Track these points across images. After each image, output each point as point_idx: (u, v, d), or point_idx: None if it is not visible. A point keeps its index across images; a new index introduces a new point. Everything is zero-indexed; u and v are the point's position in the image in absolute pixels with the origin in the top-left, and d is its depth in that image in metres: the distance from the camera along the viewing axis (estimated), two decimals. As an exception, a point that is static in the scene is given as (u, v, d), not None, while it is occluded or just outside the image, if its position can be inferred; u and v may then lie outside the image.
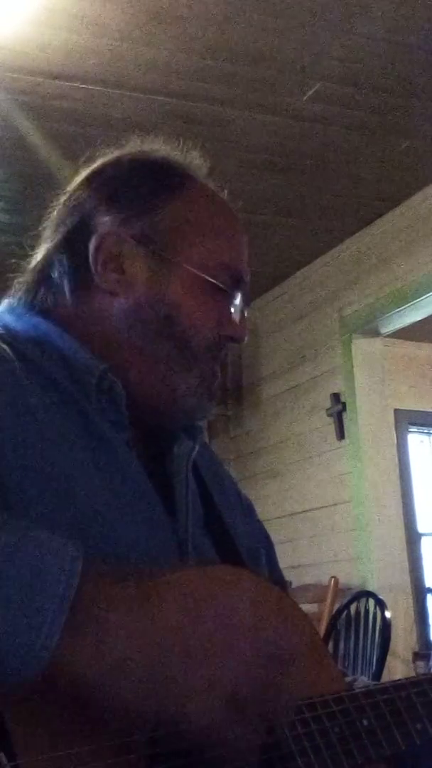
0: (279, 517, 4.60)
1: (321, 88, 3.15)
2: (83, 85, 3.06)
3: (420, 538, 5.23)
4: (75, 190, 0.98)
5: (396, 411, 5.22)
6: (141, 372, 0.92)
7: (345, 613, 3.71)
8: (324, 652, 0.92)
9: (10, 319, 0.95)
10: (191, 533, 0.90)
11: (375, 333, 4.35)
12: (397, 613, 3.84)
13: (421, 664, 3.94)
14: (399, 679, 0.87)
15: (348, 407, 4.29)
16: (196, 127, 3.29)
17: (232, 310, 0.95)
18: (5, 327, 0.94)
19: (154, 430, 0.98)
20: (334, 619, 3.73)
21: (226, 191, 1.01)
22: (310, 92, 3.18)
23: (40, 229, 1.00)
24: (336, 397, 4.38)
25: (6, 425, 0.80)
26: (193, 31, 2.82)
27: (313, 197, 3.95)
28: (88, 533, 0.79)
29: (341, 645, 3.64)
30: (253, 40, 2.88)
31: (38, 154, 3.27)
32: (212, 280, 0.93)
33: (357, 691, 0.82)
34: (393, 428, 4.84)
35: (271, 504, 4.66)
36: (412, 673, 3.65)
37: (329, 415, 4.41)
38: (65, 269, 0.95)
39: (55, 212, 0.99)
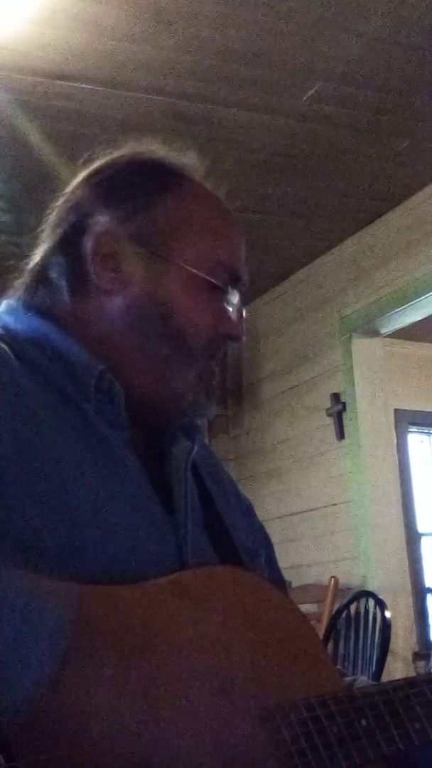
0: (279, 517, 4.60)
1: (321, 88, 3.15)
2: (83, 85, 3.06)
3: (420, 538, 5.23)
4: (72, 191, 0.99)
5: (396, 411, 5.22)
6: (139, 370, 0.92)
7: (345, 613, 3.71)
8: (322, 652, 0.92)
9: (9, 320, 0.95)
10: (190, 533, 0.90)
11: (375, 333, 4.35)
12: (397, 613, 3.84)
13: (421, 664, 3.94)
14: (397, 680, 0.87)
15: (348, 407, 4.29)
16: (196, 127, 3.29)
17: (230, 308, 0.96)
18: (5, 327, 0.94)
19: (154, 430, 0.98)
20: (334, 619, 3.73)
21: (225, 190, 1.02)
22: (310, 92, 3.18)
23: (39, 230, 1.00)
24: (336, 397, 4.38)
25: (4, 425, 0.80)
26: (193, 31, 2.82)
27: (313, 197, 3.96)
28: (86, 533, 0.79)
29: (341, 645, 3.64)
30: (253, 40, 2.88)
31: (38, 154, 3.27)
32: (208, 278, 0.94)
33: (355, 691, 0.82)
34: (393, 428, 4.84)
35: (271, 504, 4.66)
36: (412, 673, 3.66)
37: (329, 415, 4.41)
38: (63, 269, 0.95)
39: (53, 213, 0.99)
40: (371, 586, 3.90)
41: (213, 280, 0.94)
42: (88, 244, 0.94)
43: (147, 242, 0.93)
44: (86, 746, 0.64)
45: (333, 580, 3.95)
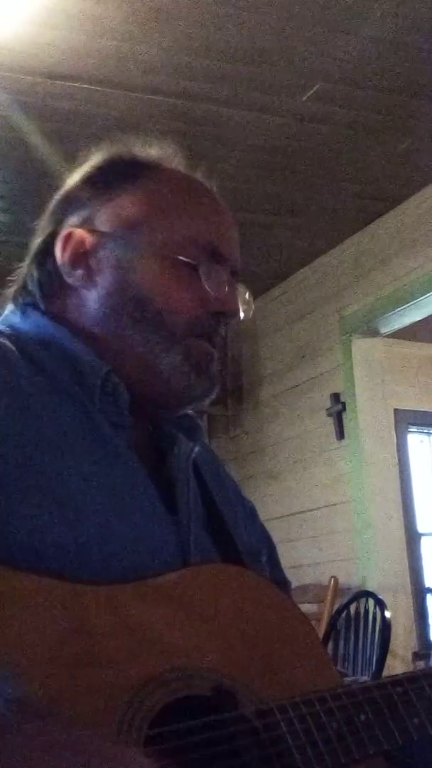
0: (279, 518, 4.60)
1: (321, 88, 3.15)
2: (83, 85, 3.06)
3: (420, 538, 5.23)
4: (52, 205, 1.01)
5: (396, 411, 5.22)
6: (123, 360, 0.92)
7: (345, 613, 3.71)
8: (322, 652, 0.92)
9: (16, 319, 0.96)
10: (193, 533, 0.90)
11: (375, 333, 4.35)
12: (397, 613, 3.84)
13: (420, 664, 3.94)
14: (395, 675, 0.87)
15: (348, 407, 4.29)
16: (196, 127, 3.29)
17: (213, 285, 0.94)
18: (11, 326, 0.95)
19: (156, 429, 0.98)
20: (334, 619, 3.73)
21: (225, 191, 1.02)
22: (310, 92, 3.18)
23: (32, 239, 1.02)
24: (336, 397, 4.38)
25: (7, 424, 0.80)
26: (193, 31, 2.82)
27: (313, 197, 3.96)
28: (88, 533, 0.80)
29: (341, 645, 3.64)
30: (253, 40, 2.88)
31: (38, 154, 3.27)
32: (180, 258, 0.93)
33: (354, 687, 0.82)
34: (393, 428, 4.84)
35: (271, 504, 4.66)
36: (412, 673, 3.65)
37: (329, 415, 4.41)
38: (43, 275, 0.97)
39: (39, 225, 1.02)
40: (371, 586, 3.90)
41: (184, 258, 0.93)
42: (57, 249, 0.96)
43: (115, 233, 0.94)
44: None
45: (333, 580, 3.95)
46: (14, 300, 0.99)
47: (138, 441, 0.93)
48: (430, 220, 3.89)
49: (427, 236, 3.89)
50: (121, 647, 0.73)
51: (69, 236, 0.95)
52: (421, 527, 5.26)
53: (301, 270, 4.74)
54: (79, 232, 0.95)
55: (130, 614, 0.75)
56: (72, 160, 1.03)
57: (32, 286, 0.98)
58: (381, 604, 3.50)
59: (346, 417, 4.30)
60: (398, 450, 4.88)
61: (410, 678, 0.87)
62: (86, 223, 0.96)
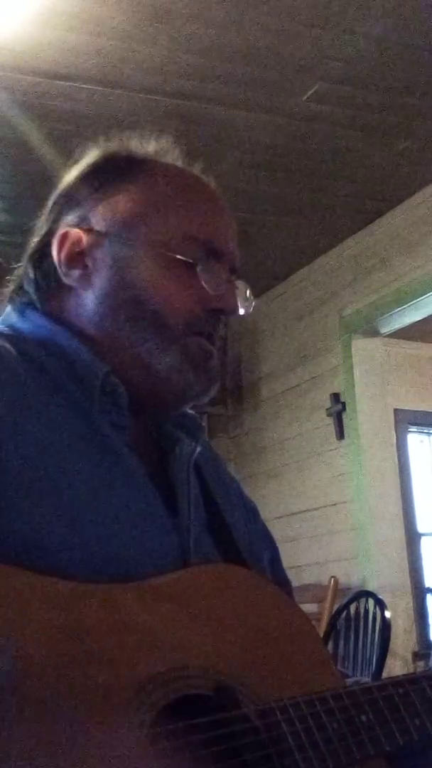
0: (279, 517, 4.60)
1: (321, 88, 3.15)
2: (83, 85, 3.06)
3: (420, 538, 5.22)
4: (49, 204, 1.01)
5: (396, 411, 5.21)
6: (121, 360, 0.91)
7: (345, 613, 3.71)
8: (322, 652, 0.92)
9: (15, 319, 0.96)
10: (193, 534, 0.90)
11: (375, 333, 4.35)
12: (397, 613, 3.84)
13: (420, 664, 3.94)
14: (396, 676, 0.87)
15: (348, 407, 4.29)
16: (196, 127, 3.29)
17: (211, 282, 0.93)
18: (11, 326, 0.95)
19: (157, 429, 0.98)
20: (334, 619, 3.73)
21: (225, 190, 1.01)
22: (310, 92, 3.18)
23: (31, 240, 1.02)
24: (336, 396, 4.38)
25: (7, 425, 0.80)
26: (193, 31, 2.82)
27: (313, 197, 3.96)
28: (88, 533, 0.80)
29: (341, 645, 3.64)
30: (253, 40, 2.88)
31: (38, 154, 3.27)
32: (176, 255, 0.92)
33: (355, 688, 0.82)
34: (393, 428, 4.83)
35: (271, 504, 4.66)
36: (412, 673, 3.65)
37: (329, 415, 4.41)
38: (40, 275, 0.97)
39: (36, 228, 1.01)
40: (371, 586, 3.90)
41: (181, 257, 0.92)
42: (53, 248, 0.95)
43: (110, 232, 0.94)
44: None
45: (333, 580, 3.95)
46: (11, 300, 0.99)
47: (138, 441, 0.92)
48: (430, 220, 3.89)
49: (427, 236, 3.89)
50: (119, 647, 0.73)
51: (65, 236, 0.95)
52: (421, 527, 5.25)
53: (301, 270, 4.74)
54: (75, 232, 0.94)
55: (129, 614, 0.75)
56: (72, 160, 1.02)
57: (28, 286, 0.97)
58: (381, 604, 3.50)
59: (346, 417, 4.30)
60: (398, 450, 4.87)
61: (411, 679, 0.87)
62: (82, 222, 0.95)
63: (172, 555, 0.86)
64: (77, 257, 0.94)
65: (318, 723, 0.77)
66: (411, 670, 3.82)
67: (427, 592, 5.02)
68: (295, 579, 4.16)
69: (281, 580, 1.04)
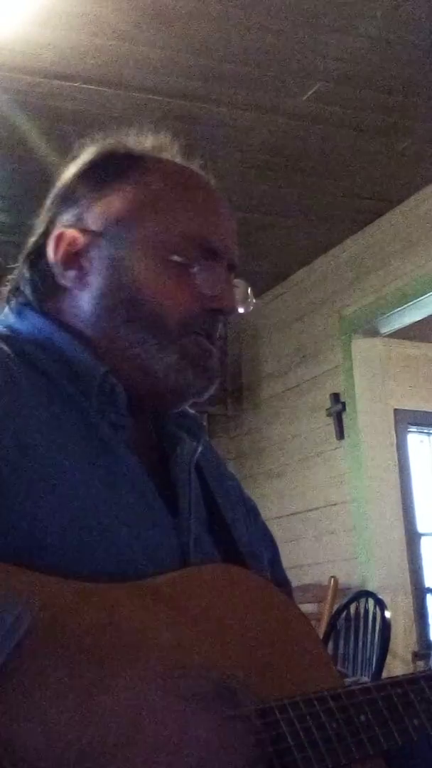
0: (279, 517, 4.60)
1: (321, 88, 3.15)
2: (83, 85, 3.06)
3: (420, 538, 5.22)
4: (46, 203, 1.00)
5: (396, 411, 5.21)
6: (118, 361, 0.91)
7: (345, 613, 3.71)
8: (322, 652, 0.92)
9: (13, 320, 0.96)
10: (194, 534, 0.90)
11: (375, 333, 4.35)
12: (397, 613, 3.84)
13: (420, 664, 3.94)
14: (396, 676, 0.87)
15: (348, 407, 4.29)
16: (196, 127, 3.29)
17: (209, 282, 0.92)
18: (9, 327, 0.95)
19: (158, 429, 0.98)
20: (334, 619, 3.73)
21: (224, 190, 1.01)
22: (310, 92, 3.18)
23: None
24: (336, 396, 4.38)
25: (5, 426, 0.80)
26: (193, 31, 2.82)
27: (313, 197, 3.96)
28: (88, 533, 0.80)
29: (341, 645, 3.64)
30: (253, 40, 2.88)
31: (38, 154, 3.27)
32: (172, 257, 0.91)
33: (354, 688, 0.82)
34: (393, 428, 4.83)
35: (271, 504, 4.66)
36: (412, 673, 3.64)
37: (329, 415, 4.41)
38: (36, 275, 0.96)
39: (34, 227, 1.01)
40: (371, 586, 3.90)
41: (177, 257, 0.91)
42: (49, 249, 0.95)
43: (106, 232, 0.93)
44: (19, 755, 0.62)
45: (333, 580, 3.95)
46: (9, 300, 0.98)
47: (138, 441, 0.92)
48: (430, 220, 3.89)
49: (427, 236, 3.89)
50: (118, 647, 0.72)
51: (60, 236, 0.94)
52: (421, 527, 5.25)
53: (301, 270, 4.74)
54: (71, 232, 0.94)
55: (127, 614, 0.75)
56: (70, 157, 1.02)
57: (25, 287, 0.97)
58: (381, 604, 3.50)
59: (346, 417, 4.30)
60: (398, 450, 4.87)
61: (410, 679, 0.87)
62: (78, 222, 0.94)
63: (172, 555, 0.86)
64: (73, 258, 0.94)
65: (317, 723, 0.77)
66: (411, 670, 3.82)
67: (427, 592, 5.02)
68: (295, 579, 4.15)
69: (281, 580, 1.04)
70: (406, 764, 0.86)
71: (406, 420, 5.49)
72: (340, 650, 3.61)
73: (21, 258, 0.99)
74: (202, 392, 0.94)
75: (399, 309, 4.07)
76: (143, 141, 0.99)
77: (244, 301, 0.99)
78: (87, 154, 0.99)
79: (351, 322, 4.34)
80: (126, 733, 0.65)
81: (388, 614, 3.44)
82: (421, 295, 3.90)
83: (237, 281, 0.98)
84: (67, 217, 0.96)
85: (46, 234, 0.96)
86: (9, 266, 1.00)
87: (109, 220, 0.93)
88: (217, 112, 3.26)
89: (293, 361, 4.78)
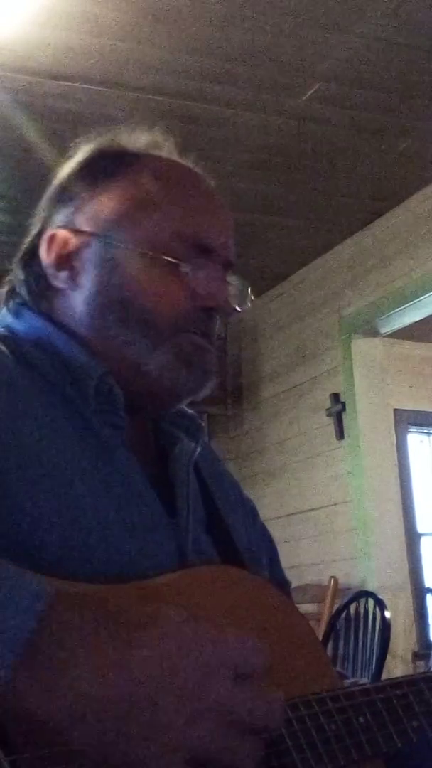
0: (279, 517, 4.60)
1: (321, 88, 3.15)
2: (83, 85, 3.06)
3: (420, 538, 5.23)
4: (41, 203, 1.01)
5: (396, 411, 5.22)
6: (113, 361, 0.90)
7: (345, 613, 3.71)
8: (321, 653, 0.92)
9: (11, 320, 0.96)
10: (192, 534, 0.90)
11: (375, 333, 4.35)
12: (397, 613, 3.84)
13: (420, 664, 3.94)
14: (395, 677, 0.87)
15: (348, 407, 4.29)
16: (196, 127, 3.29)
17: (201, 281, 0.91)
18: (7, 327, 0.94)
19: (157, 430, 0.98)
20: (334, 619, 3.73)
21: (224, 191, 1.01)
22: (310, 92, 3.18)
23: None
24: (336, 397, 4.38)
25: (3, 427, 0.80)
26: (193, 31, 2.82)
27: (313, 197, 3.96)
28: (86, 534, 0.79)
29: (341, 645, 3.64)
30: (253, 40, 2.88)
31: (38, 154, 3.27)
32: (162, 256, 0.91)
33: (353, 689, 0.82)
34: (393, 428, 4.84)
35: (271, 504, 4.66)
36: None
37: (329, 415, 4.41)
38: (30, 277, 0.96)
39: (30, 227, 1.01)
40: (371, 586, 3.90)
41: (167, 257, 0.91)
42: (42, 250, 0.95)
43: (96, 233, 0.93)
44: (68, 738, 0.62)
45: (333, 580, 3.95)
46: (6, 301, 0.98)
47: (136, 441, 0.92)
48: (430, 220, 3.89)
49: (427, 236, 3.89)
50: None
51: (52, 237, 0.94)
52: (421, 527, 5.26)
53: (301, 270, 4.74)
54: (63, 233, 0.94)
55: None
56: (65, 157, 1.02)
57: (20, 288, 0.97)
58: (381, 604, 3.50)
59: (346, 417, 4.30)
60: (398, 450, 4.88)
61: (409, 681, 0.87)
62: (70, 223, 0.94)
63: (170, 555, 0.86)
64: (65, 259, 0.93)
65: (316, 724, 0.77)
66: (411, 671, 3.84)
67: (427, 592, 5.02)
68: (295, 579, 4.16)
69: (280, 581, 1.04)
70: (404, 765, 0.86)
71: (406, 420, 5.49)
72: (340, 650, 3.61)
73: (15, 260, 0.99)
74: (197, 391, 0.94)
75: (399, 309, 4.07)
76: (137, 139, 0.99)
77: (241, 299, 0.98)
78: (80, 154, 0.99)
79: (351, 322, 4.34)
80: (157, 684, 0.64)
81: (388, 614, 3.44)
82: (421, 295, 3.90)
83: (233, 279, 0.97)
84: (59, 217, 0.95)
85: (40, 235, 0.96)
86: (9, 267, 1.00)
87: (100, 220, 0.93)
88: (217, 112, 3.26)
89: (293, 361, 4.78)
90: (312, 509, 4.51)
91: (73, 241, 0.93)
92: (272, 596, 0.89)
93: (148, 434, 0.97)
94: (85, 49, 2.88)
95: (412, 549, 4.91)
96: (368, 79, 3.11)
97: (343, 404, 4.32)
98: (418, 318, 4.21)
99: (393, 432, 4.79)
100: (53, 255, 0.94)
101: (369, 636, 3.51)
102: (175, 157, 0.98)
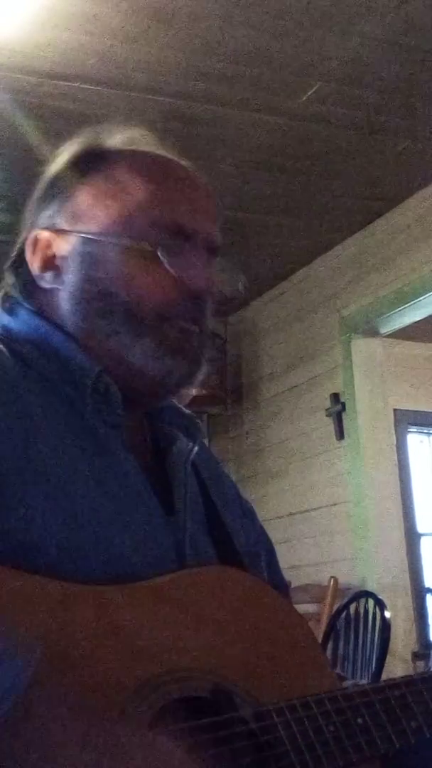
0: (279, 517, 4.60)
1: (321, 88, 3.15)
2: (83, 85, 3.06)
3: (420, 538, 5.23)
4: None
5: (396, 411, 5.21)
6: (101, 357, 0.90)
7: (344, 613, 3.71)
8: (319, 654, 0.92)
9: (8, 319, 0.96)
10: (189, 533, 0.90)
11: (375, 333, 4.35)
12: (397, 613, 3.84)
13: (420, 664, 3.94)
14: (393, 678, 0.87)
15: (347, 407, 4.29)
16: (195, 127, 3.29)
17: (179, 266, 0.91)
18: (3, 327, 0.95)
19: (155, 430, 0.98)
20: (334, 619, 3.73)
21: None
22: (310, 92, 3.18)
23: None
24: (335, 397, 4.38)
25: (2, 424, 0.80)
26: (193, 31, 2.82)
27: (313, 197, 3.95)
28: (85, 533, 0.80)
29: (341, 645, 3.64)
30: (253, 40, 2.88)
31: (38, 154, 3.26)
32: (138, 245, 0.91)
33: (351, 690, 0.82)
34: (393, 428, 4.84)
35: (271, 504, 4.66)
36: (411, 673, 3.64)
37: (329, 415, 4.41)
38: (19, 280, 0.97)
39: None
40: (371, 586, 3.90)
41: (143, 245, 0.91)
42: (27, 253, 0.96)
43: (75, 230, 0.94)
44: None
45: (332, 580, 3.95)
46: (3, 302, 0.99)
47: (134, 440, 0.92)
48: (430, 220, 3.89)
49: (427, 236, 3.89)
50: (113, 649, 0.72)
51: (35, 240, 0.96)
52: (421, 527, 5.26)
53: (301, 270, 4.74)
54: (45, 235, 0.95)
55: (122, 616, 0.75)
56: (50, 159, 1.03)
57: (14, 291, 0.98)
58: (381, 604, 3.50)
59: (346, 417, 4.30)
60: (398, 450, 4.87)
61: (408, 681, 0.87)
62: (52, 224, 0.96)
63: (168, 554, 0.86)
64: (50, 260, 0.95)
65: (314, 725, 0.77)
66: (411, 671, 3.84)
67: (427, 592, 5.02)
68: (295, 579, 4.17)
69: (278, 582, 1.04)
70: (403, 766, 0.86)
71: (406, 420, 5.49)
72: (340, 650, 3.61)
73: (6, 264, 1.00)
74: (186, 378, 0.93)
75: (399, 309, 4.07)
76: (115, 136, 0.99)
77: (232, 283, 0.98)
78: (60, 156, 1.00)
79: (351, 322, 4.34)
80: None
81: (387, 614, 3.44)
82: (421, 295, 3.90)
83: (222, 263, 0.97)
84: (42, 219, 0.97)
85: (26, 239, 0.98)
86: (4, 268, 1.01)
87: (78, 218, 0.94)
88: (217, 112, 3.26)
89: (293, 361, 4.78)
90: (312, 509, 4.50)
91: (56, 241, 0.95)
92: (271, 597, 0.89)
93: (146, 433, 0.97)
94: (85, 49, 2.88)
95: (412, 549, 4.91)
96: (368, 79, 3.11)
97: (343, 404, 4.32)
98: (418, 318, 4.21)
99: (393, 432, 4.78)
100: (37, 257, 0.95)
101: (369, 636, 3.51)
102: (154, 149, 0.98)
